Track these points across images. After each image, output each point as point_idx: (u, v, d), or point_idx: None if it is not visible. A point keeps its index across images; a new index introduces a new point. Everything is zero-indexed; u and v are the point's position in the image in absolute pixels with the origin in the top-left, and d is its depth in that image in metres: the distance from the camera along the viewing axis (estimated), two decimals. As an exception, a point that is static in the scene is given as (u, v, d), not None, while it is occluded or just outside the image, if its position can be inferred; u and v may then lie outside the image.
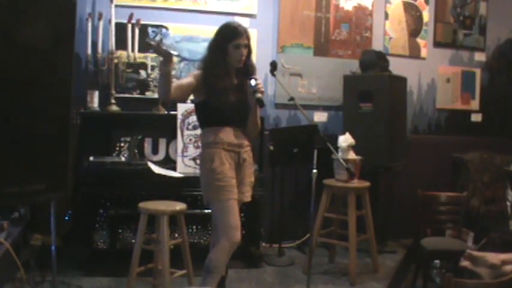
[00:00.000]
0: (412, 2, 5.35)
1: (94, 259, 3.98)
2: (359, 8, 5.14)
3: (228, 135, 3.02)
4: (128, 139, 4.21)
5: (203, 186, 3.05)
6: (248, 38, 3.03)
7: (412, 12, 5.36)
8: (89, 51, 4.25)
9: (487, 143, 5.29)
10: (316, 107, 5.06)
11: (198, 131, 3.94)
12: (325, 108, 5.09)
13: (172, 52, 2.77)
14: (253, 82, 2.97)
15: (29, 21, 2.63)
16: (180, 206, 3.42)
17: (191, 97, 3.17)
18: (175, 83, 2.93)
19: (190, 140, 4.11)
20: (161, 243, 3.33)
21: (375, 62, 4.74)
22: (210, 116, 3.04)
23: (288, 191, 4.79)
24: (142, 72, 4.55)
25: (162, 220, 3.31)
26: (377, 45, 5.17)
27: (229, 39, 2.98)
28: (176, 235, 3.83)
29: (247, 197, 3.15)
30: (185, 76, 2.99)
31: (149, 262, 3.51)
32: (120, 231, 4.06)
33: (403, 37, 5.33)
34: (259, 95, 2.95)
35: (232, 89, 3.04)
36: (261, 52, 4.80)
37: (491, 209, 4.74)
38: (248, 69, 3.08)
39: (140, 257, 3.43)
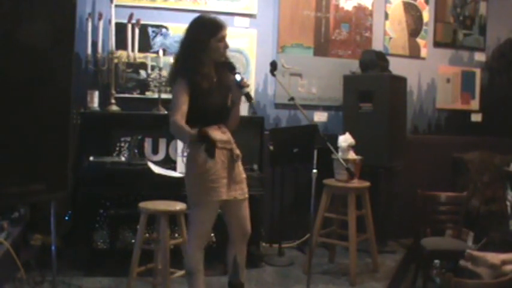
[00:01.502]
0: (412, 2, 5.35)
1: (94, 259, 3.98)
2: (359, 8, 5.14)
3: (216, 132, 2.90)
4: (128, 139, 4.21)
5: (192, 187, 2.92)
6: (226, 28, 2.96)
7: (412, 12, 5.36)
8: (89, 51, 4.25)
9: (487, 143, 5.30)
10: (316, 107, 5.06)
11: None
12: (325, 108, 5.09)
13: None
14: (238, 77, 2.88)
15: (29, 21, 2.63)
16: (180, 206, 3.41)
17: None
18: (182, 112, 2.85)
19: (191, 140, 4.10)
20: (161, 243, 3.33)
21: (375, 62, 4.74)
22: (195, 117, 2.88)
23: (288, 191, 4.79)
24: (142, 72, 4.55)
25: (162, 220, 3.31)
26: (377, 45, 5.17)
27: (213, 33, 2.88)
28: (176, 235, 3.83)
29: (246, 193, 3.04)
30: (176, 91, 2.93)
31: (149, 262, 3.51)
32: (120, 231, 4.06)
33: (403, 37, 5.33)
34: (247, 89, 2.89)
35: (216, 87, 2.93)
36: (261, 52, 4.82)
37: (491, 209, 4.74)
38: (226, 63, 2.97)
39: (140, 257, 3.43)
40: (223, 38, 2.91)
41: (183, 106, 2.84)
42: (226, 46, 2.94)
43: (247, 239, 3.14)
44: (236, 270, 3.10)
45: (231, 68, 2.95)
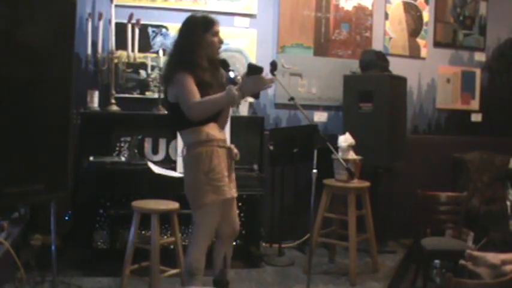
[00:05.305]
0: (412, 2, 5.35)
1: (94, 259, 3.98)
2: (359, 8, 5.14)
3: (215, 131, 2.87)
4: (128, 139, 4.21)
5: (196, 187, 2.83)
6: (219, 24, 2.96)
7: (412, 12, 5.36)
8: (89, 51, 4.25)
9: (487, 143, 5.30)
10: (316, 107, 5.06)
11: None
12: (325, 108, 5.09)
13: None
14: (232, 74, 2.87)
15: (29, 21, 2.63)
16: (172, 205, 3.42)
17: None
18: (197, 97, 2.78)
19: (190, 140, 4.10)
20: (152, 241, 3.35)
21: (375, 62, 4.74)
22: None
23: (288, 191, 4.79)
24: (142, 72, 4.55)
25: (153, 219, 3.33)
26: (377, 45, 5.17)
27: (207, 28, 2.87)
28: (166, 236, 3.83)
29: (236, 192, 3.04)
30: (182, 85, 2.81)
31: (147, 261, 3.51)
32: (120, 231, 4.06)
33: (403, 37, 5.33)
34: None
35: (214, 83, 2.89)
36: (261, 52, 4.81)
37: (491, 209, 4.74)
38: (221, 60, 2.97)
39: (139, 256, 3.44)
40: (217, 33, 2.91)
41: (197, 94, 2.76)
42: (220, 41, 2.93)
43: (236, 237, 3.19)
44: (224, 268, 3.15)
45: (225, 65, 2.95)
